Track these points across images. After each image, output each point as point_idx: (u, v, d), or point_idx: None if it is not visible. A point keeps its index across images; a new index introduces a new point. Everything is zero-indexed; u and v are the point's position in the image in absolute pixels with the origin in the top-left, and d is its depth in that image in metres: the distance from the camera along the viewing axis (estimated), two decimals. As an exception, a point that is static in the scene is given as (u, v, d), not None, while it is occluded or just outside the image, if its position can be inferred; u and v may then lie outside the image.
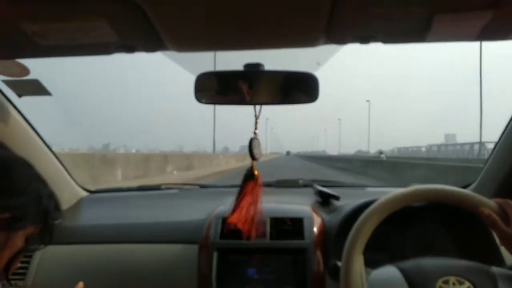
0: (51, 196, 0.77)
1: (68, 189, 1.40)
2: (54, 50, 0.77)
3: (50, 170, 1.26)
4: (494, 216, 0.76)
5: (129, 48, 0.75)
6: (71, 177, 1.43)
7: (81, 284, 0.96)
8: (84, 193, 1.50)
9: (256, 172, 1.01)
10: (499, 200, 0.79)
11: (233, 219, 0.99)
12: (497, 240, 0.99)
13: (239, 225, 0.99)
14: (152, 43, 0.72)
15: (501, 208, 0.77)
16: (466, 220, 1.07)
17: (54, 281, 1.13)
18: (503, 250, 0.96)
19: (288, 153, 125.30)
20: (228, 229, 1.04)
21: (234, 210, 1.01)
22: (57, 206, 1.31)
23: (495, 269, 0.78)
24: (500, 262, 0.96)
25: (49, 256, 1.15)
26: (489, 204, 0.78)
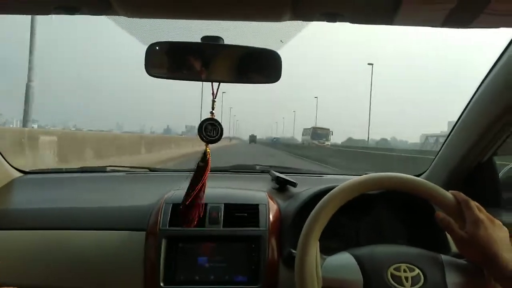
0: None
1: None
2: None
3: None
4: (449, 219, 0.78)
5: (71, 8, 0.64)
6: (1, 155, 1.28)
7: None
8: (17, 174, 1.35)
9: (208, 157, 0.96)
10: (454, 192, 0.80)
11: (184, 206, 0.96)
12: None
13: (191, 212, 0.96)
14: (98, 5, 0.62)
15: (456, 201, 0.78)
16: (416, 208, 1.10)
17: None
18: (449, 237, 0.99)
19: (252, 138, 72.58)
20: (180, 216, 0.99)
21: (186, 196, 0.97)
22: None
23: (443, 256, 0.82)
24: (446, 249, 0.99)
25: None
26: (445, 194, 0.79)
